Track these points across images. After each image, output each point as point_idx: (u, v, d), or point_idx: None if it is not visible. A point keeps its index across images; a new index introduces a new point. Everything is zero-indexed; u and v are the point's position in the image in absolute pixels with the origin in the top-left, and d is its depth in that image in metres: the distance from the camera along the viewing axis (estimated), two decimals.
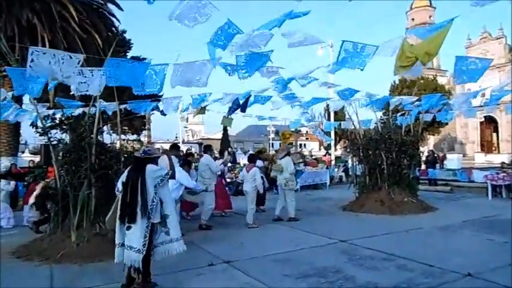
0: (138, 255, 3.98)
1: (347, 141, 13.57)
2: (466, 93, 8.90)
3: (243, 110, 8.62)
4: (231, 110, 8.93)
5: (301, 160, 13.56)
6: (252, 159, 8.61)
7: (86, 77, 5.50)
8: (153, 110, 10.37)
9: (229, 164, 13.65)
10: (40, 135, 6.29)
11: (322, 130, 16.88)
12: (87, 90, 5.65)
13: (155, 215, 4.09)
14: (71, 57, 5.19)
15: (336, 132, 21.61)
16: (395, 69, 5.20)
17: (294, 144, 45.34)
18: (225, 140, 39.99)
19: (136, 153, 4.50)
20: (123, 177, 4.32)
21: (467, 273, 4.53)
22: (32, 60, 4.87)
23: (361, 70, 5.67)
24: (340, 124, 14.75)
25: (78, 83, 5.46)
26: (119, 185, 4.32)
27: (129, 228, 4.05)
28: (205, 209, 7.69)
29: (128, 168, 4.40)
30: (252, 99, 9.26)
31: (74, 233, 5.74)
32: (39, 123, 6.54)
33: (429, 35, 4.90)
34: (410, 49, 4.95)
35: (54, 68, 4.99)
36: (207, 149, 8.38)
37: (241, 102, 8.43)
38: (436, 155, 18.55)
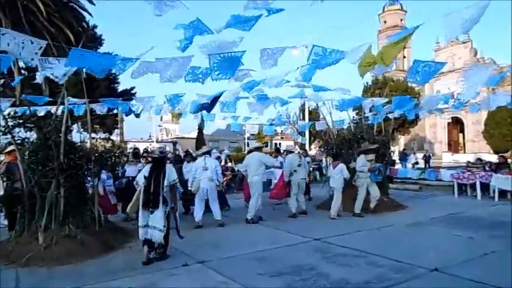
0: (160, 233, 5.10)
1: (321, 141, 13.77)
2: (435, 95, 9.25)
3: (208, 110, 8.37)
4: (198, 110, 8.75)
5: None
6: (337, 157, 9.47)
7: (51, 63, 5.27)
8: (126, 112, 10.03)
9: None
10: (3, 134, 5.99)
11: (297, 130, 17.04)
12: (52, 74, 5.44)
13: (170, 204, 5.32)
14: (32, 43, 4.68)
15: (310, 132, 21.88)
16: (359, 70, 5.27)
17: (268, 143, 45.49)
18: (200, 139, 39.60)
19: (154, 154, 6.41)
20: (145, 172, 5.38)
21: (434, 268, 4.70)
22: None
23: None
24: (314, 124, 14.91)
25: (42, 67, 5.19)
26: (140, 179, 5.37)
27: (152, 212, 5.12)
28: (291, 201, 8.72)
29: (150, 165, 5.48)
30: (225, 99, 9.12)
31: (41, 235, 5.53)
32: (1, 121, 6.20)
33: (393, 40, 5.00)
34: (370, 55, 5.06)
35: (14, 49, 4.51)
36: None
37: (209, 101, 8.19)
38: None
